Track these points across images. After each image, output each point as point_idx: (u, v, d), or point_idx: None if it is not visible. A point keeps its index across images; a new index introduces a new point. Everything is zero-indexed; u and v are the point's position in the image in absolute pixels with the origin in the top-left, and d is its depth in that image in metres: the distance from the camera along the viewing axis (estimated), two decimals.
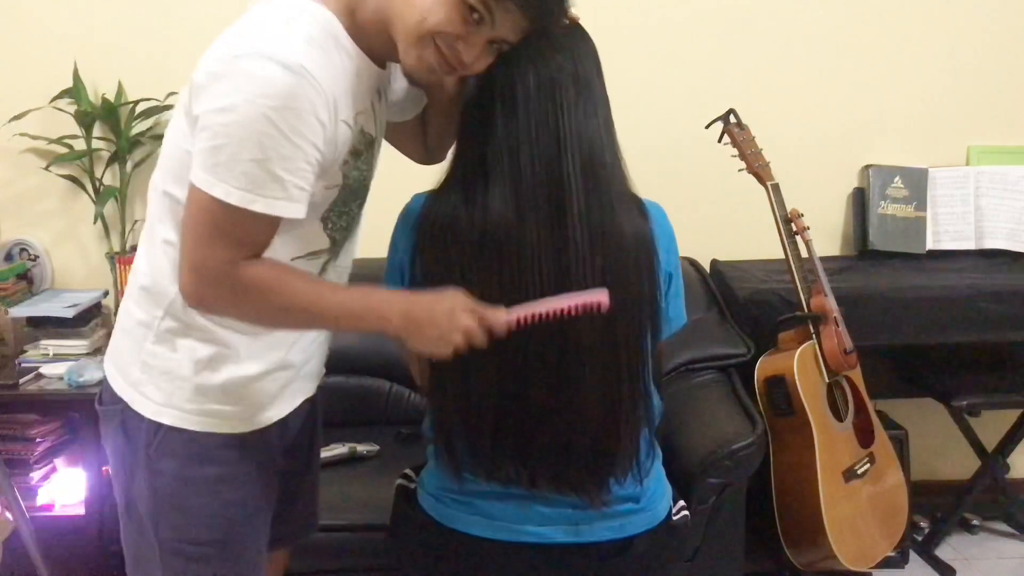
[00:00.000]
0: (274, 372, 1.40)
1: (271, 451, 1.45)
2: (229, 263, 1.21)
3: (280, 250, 1.28)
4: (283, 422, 1.46)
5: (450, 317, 1.25)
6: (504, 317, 1.26)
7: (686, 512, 1.56)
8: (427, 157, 1.61)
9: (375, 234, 1.55)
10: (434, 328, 1.25)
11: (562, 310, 1.26)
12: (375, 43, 1.28)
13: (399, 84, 1.49)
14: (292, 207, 1.21)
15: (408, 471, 1.61)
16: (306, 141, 1.18)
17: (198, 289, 1.24)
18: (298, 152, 1.18)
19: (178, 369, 1.35)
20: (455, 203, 1.33)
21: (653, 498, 1.45)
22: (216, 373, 1.35)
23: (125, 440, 1.38)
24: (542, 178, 1.30)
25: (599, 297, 1.25)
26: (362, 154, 1.35)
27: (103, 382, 1.44)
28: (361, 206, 1.42)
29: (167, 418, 1.35)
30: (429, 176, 1.40)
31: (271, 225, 1.22)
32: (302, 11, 1.23)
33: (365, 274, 1.54)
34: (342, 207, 1.34)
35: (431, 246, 1.35)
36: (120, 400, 1.38)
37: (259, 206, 1.18)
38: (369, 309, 1.29)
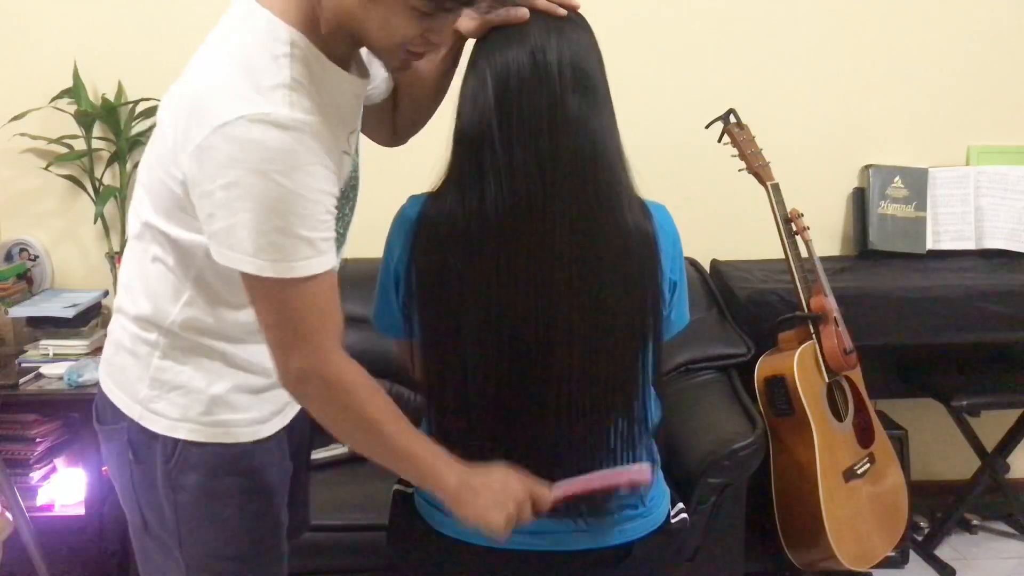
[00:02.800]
0: None
1: (284, 454, 1.43)
2: (318, 351, 1.19)
3: None
4: (291, 423, 1.44)
5: (504, 485, 1.26)
6: (550, 494, 1.28)
7: (684, 515, 1.54)
8: (393, 141, 1.59)
9: (372, 234, 1.54)
10: (489, 494, 1.26)
11: (608, 487, 1.29)
12: (341, 50, 1.24)
13: (373, 70, 1.46)
14: (324, 260, 1.18)
15: None
16: (320, 192, 1.15)
17: (297, 386, 1.23)
18: (316, 206, 1.14)
19: (191, 382, 1.32)
20: (451, 206, 1.29)
21: (651, 503, 1.43)
22: (228, 382, 1.33)
23: (135, 459, 1.34)
24: (539, 179, 1.26)
25: (643, 474, 1.30)
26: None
27: (99, 399, 1.39)
28: (353, 208, 1.40)
29: (183, 433, 1.32)
30: (426, 175, 1.38)
31: (319, 286, 1.18)
32: (274, 43, 1.15)
33: (361, 274, 1.54)
34: (338, 214, 1.31)
35: (427, 250, 1.32)
36: (124, 418, 1.34)
37: (296, 272, 1.15)
38: (431, 469, 1.27)
